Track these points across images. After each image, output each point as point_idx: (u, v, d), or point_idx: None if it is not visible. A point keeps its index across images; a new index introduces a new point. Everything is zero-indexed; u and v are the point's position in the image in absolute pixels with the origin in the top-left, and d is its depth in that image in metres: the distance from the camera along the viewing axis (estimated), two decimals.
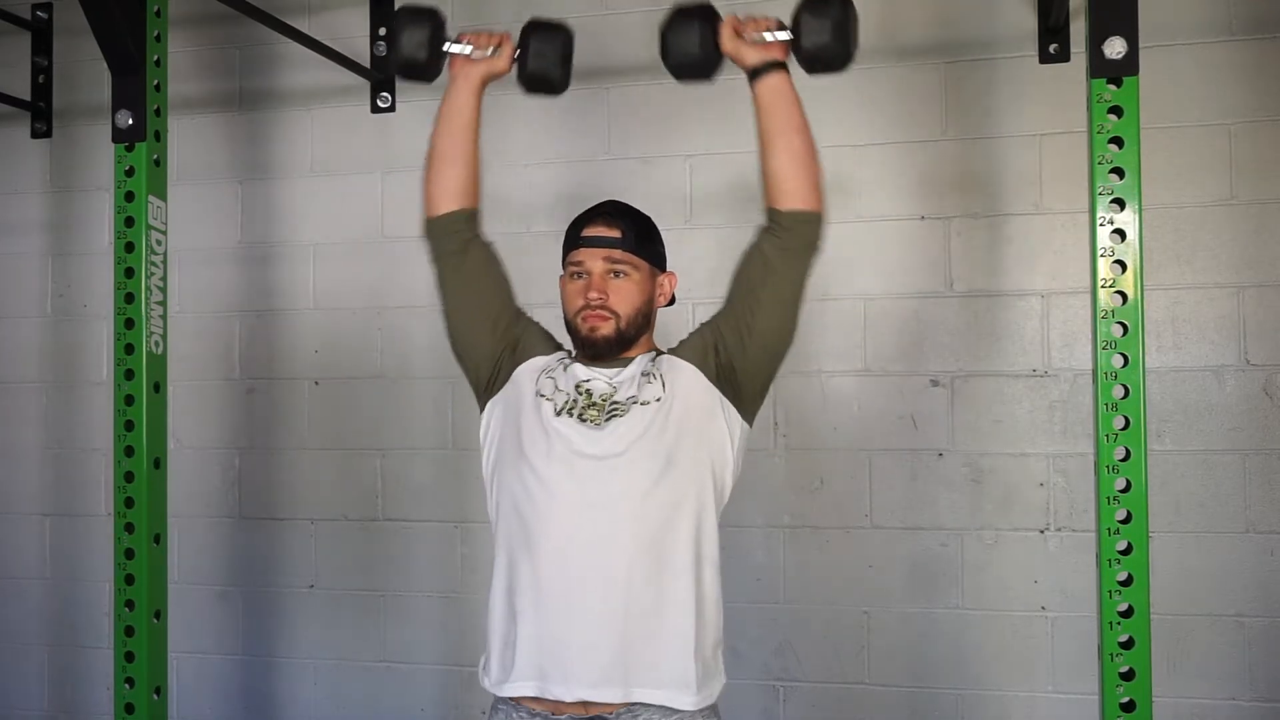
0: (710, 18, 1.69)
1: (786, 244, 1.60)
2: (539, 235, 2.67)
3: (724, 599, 1.66)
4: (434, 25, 1.74)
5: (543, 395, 1.65)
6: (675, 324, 2.57)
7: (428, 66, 1.75)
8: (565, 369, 1.70)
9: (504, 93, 2.76)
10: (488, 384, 1.72)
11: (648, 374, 1.65)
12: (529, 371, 1.69)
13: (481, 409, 1.73)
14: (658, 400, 1.61)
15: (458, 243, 1.71)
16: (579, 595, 1.54)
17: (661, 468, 1.57)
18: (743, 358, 1.63)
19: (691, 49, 1.69)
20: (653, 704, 1.53)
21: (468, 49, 1.73)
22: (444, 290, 1.74)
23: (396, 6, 1.76)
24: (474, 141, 1.74)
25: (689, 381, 1.64)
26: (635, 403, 1.61)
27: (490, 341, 1.71)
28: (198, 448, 2.91)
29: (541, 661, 1.55)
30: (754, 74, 1.64)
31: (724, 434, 1.65)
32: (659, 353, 1.75)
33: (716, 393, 1.64)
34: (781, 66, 1.64)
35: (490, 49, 1.73)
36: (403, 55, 1.74)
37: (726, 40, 1.66)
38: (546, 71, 1.77)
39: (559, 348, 1.76)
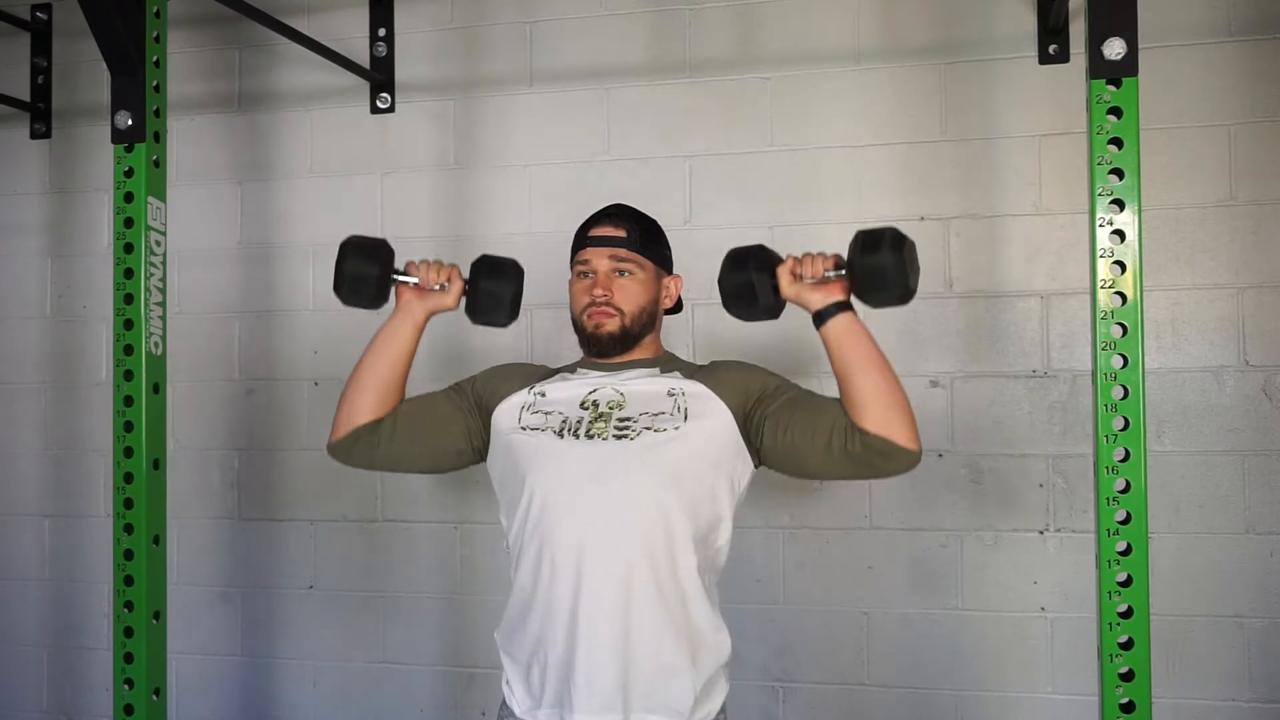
0: (765, 262, 1.62)
1: (853, 452, 1.54)
2: (539, 236, 2.67)
3: (724, 600, 1.66)
4: (383, 256, 1.72)
5: (533, 429, 1.64)
6: (677, 325, 2.58)
7: (375, 296, 1.74)
8: (565, 382, 1.70)
9: (504, 93, 2.79)
10: (482, 454, 1.76)
11: (674, 396, 1.64)
12: (506, 414, 1.70)
13: (491, 470, 1.75)
14: (675, 429, 1.60)
15: (376, 440, 1.73)
16: (586, 623, 1.54)
17: (666, 496, 1.57)
18: (771, 444, 1.62)
19: (750, 300, 1.63)
20: None
21: (415, 280, 1.73)
22: (400, 467, 1.77)
23: (345, 239, 1.75)
24: (404, 373, 1.76)
25: (715, 422, 1.63)
26: (648, 429, 1.60)
27: (466, 442, 1.74)
28: (197, 448, 2.91)
29: (559, 689, 1.56)
30: (818, 317, 1.58)
31: (734, 472, 1.65)
32: (678, 363, 1.74)
33: (740, 440, 1.64)
34: (846, 306, 1.58)
35: (438, 284, 1.73)
36: (348, 282, 1.72)
37: (785, 285, 1.61)
38: (493, 314, 1.76)
39: (533, 376, 1.76)
